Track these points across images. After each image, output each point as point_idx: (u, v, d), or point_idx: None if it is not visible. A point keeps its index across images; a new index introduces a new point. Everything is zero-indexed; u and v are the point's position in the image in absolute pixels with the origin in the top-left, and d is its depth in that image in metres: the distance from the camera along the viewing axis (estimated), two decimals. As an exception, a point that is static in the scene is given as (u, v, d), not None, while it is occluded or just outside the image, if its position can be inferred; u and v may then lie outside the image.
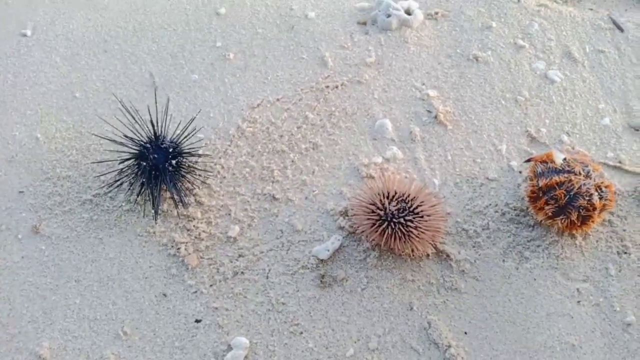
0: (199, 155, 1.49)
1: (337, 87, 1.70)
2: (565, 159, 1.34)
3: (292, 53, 1.79)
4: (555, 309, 1.30)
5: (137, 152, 1.38)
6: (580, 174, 1.31)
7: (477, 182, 1.50)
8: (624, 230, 1.41)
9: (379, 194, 1.30)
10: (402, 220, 1.25)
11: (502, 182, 1.50)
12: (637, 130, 1.59)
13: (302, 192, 1.48)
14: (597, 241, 1.40)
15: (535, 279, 1.34)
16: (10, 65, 1.79)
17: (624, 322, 1.28)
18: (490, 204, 1.46)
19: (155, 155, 1.35)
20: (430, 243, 1.30)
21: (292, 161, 1.54)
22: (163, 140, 1.38)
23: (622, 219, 1.43)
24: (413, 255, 1.35)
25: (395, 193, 1.30)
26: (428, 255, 1.37)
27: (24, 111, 1.67)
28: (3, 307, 1.33)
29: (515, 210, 1.44)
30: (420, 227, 1.25)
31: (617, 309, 1.30)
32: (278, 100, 1.67)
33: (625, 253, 1.38)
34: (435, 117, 1.62)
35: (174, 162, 1.36)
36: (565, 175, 1.30)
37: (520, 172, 1.51)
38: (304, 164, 1.54)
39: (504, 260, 1.37)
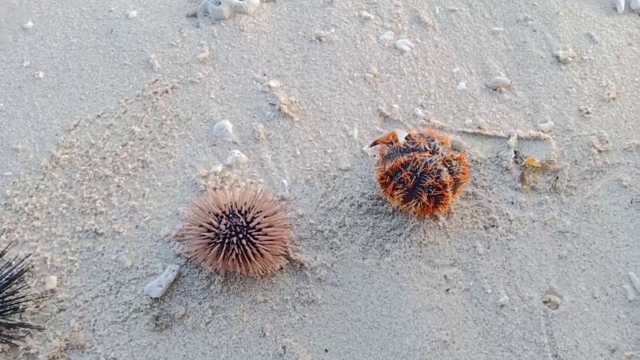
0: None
1: (166, 91, 1.53)
2: (409, 136, 1.24)
3: (113, 60, 1.61)
4: (423, 304, 1.20)
5: None
6: (425, 150, 1.21)
7: (329, 175, 1.39)
8: (489, 202, 1.34)
9: (210, 212, 1.15)
10: (234, 240, 1.10)
11: (357, 170, 1.40)
12: (495, 89, 1.53)
13: (131, 221, 1.32)
14: (461, 218, 1.32)
15: (398, 273, 1.24)
16: None
17: (497, 304, 1.21)
18: (345, 197, 1.35)
19: None
20: (276, 256, 1.18)
21: (118, 186, 1.37)
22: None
23: (486, 190, 1.36)
24: (264, 273, 1.22)
25: (232, 206, 1.15)
26: (281, 268, 1.24)
27: None
28: None
29: (372, 199, 1.34)
30: (259, 243, 1.12)
31: (489, 291, 1.22)
32: (99, 117, 1.49)
33: (493, 226, 1.31)
34: (279, 109, 1.49)
35: None
36: (410, 154, 1.21)
37: (374, 156, 1.41)
38: (132, 187, 1.37)
39: (363, 258, 1.26)
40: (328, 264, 1.25)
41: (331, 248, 1.28)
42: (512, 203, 1.34)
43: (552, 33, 1.64)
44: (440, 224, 1.31)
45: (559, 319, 1.19)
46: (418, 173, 1.19)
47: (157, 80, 1.56)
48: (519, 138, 1.43)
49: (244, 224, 1.12)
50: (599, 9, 1.70)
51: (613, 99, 1.50)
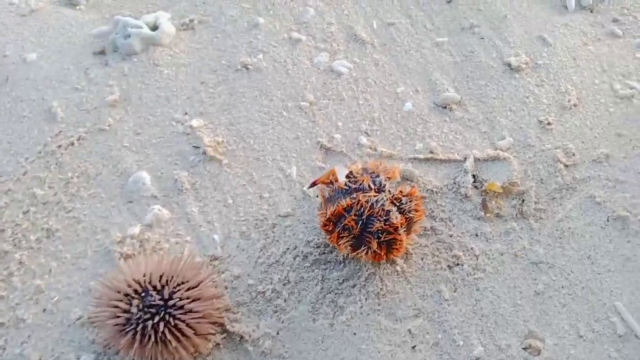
0: None
1: (72, 144, 1.36)
2: (350, 173, 1.10)
3: (10, 113, 1.42)
4: (386, 368, 1.05)
5: None
6: (370, 188, 1.07)
7: (267, 224, 1.23)
8: (451, 236, 1.20)
9: (119, 292, 0.97)
10: (149, 324, 0.93)
11: (299, 215, 1.24)
12: (445, 107, 1.41)
13: (37, 304, 1.13)
14: (422, 259, 1.18)
15: (355, 333, 1.09)
16: None
17: (471, 358, 1.06)
18: (288, 249, 1.19)
19: None
20: (205, 335, 1.01)
21: (20, 263, 1.18)
22: None
23: (446, 222, 1.22)
24: (196, 354, 1.05)
25: (144, 281, 0.98)
26: (218, 344, 1.07)
27: None
28: None
29: (318, 247, 1.19)
30: (182, 324, 0.95)
31: (461, 343, 1.08)
32: (-6, 182, 1.30)
33: (457, 265, 1.17)
34: (205, 152, 1.33)
35: None
36: (353, 196, 1.06)
37: (317, 196, 1.26)
38: (36, 263, 1.18)
39: (314, 320, 1.11)
40: (273, 332, 1.09)
41: (275, 312, 1.12)
42: (476, 235, 1.21)
43: (502, 39, 1.53)
44: (398, 268, 1.16)
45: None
46: (364, 217, 1.04)
47: (60, 131, 1.38)
48: (476, 160, 1.30)
49: (161, 302, 0.95)
50: (549, 9, 1.60)
51: (574, 105, 1.39)
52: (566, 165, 1.29)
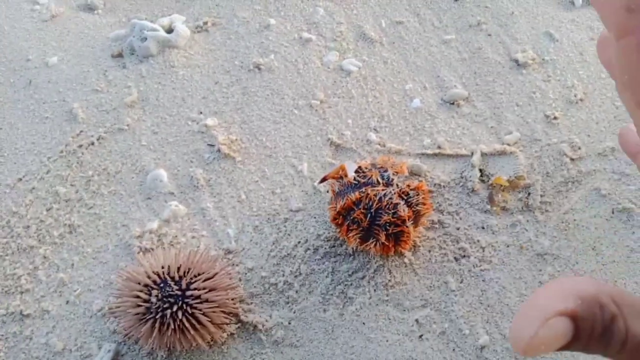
0: None
1: (92, 143, 1.43)
2: (359, 168, 1.15)
3: (33, 115, 1.50)
4: (395, 356, 1.10)
5: None
6: (378, 183, 1.12)
7: (279, 219, 1.28)
8: (458, 229, 1.25)
9: (138, 283, 1.04)
10: (168, 312, 0.99)
11: (309, 209, 1.30)
12: (453, 103, 1.45)
13: (60, 297, 1.20)
14: (429, 251, 1.22)
15: (364, 323, 1.14)
16: None
17: (477, 347, 1.11)
18: (299, 242, 1.25)
19: None
20: (220, 325, 1.07)
21: (44, 257, 1.25)
22: None
23: (453, 216, 1.27)
24: (212, 342, 1.11)
25: (163, 273, 1.05)
26: (232, 333, 1.13)
27: None
28: None
29: (328, 241, 1.24)
30: (199, 313, 1.01)
31: (467, 332, 1.12)
32: (20, 180, 1.38)
33: (464, 257, 1.21)
34: (219, 150, 1.39)
35: None
36: (362, 189, 1.11)
37: (328, 191, 1.31)
38: (59, 258, 1.25)
39: (324, 310, 1.16)
40: (285, 322, 1.15)
41: (287, 302, 1.17)
42: (483, 228, 1.25)
43: (509, 35, 1.57)
44: (406, 260, 1.21)
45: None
46: (372, 210, 1.10)
47: (81, 131, 1.45)
48: (483, 154, 1.34)
49: (179, 292, 1.01)
50: (556, 5, 1.63)
51: (581, 100, 1.43)
52: (572, 159, 1.33)
